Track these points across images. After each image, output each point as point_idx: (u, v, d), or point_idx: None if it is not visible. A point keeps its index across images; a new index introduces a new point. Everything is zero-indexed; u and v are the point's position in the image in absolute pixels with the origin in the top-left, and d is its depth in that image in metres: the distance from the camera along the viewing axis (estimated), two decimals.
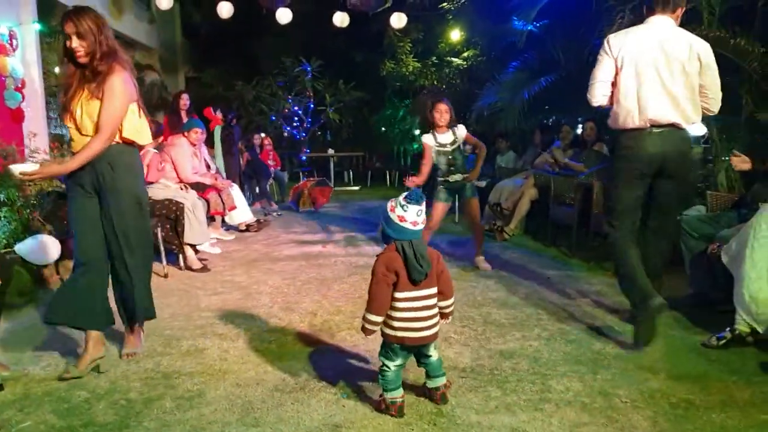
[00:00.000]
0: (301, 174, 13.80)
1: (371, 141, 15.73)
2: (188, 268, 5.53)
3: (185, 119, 7.70)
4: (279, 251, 6.46)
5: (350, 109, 15.52)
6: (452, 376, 3.09)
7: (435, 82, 13.01)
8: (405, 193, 2.66)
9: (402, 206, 2.62)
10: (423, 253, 2.62)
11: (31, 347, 3.59)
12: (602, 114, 6.90)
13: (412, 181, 5.23)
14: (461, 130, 5.42)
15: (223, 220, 7.34)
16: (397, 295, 2.62)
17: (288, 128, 15.14)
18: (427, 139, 5.39)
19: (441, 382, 2.78)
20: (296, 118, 15.04)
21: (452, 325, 3.89)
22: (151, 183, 5.49)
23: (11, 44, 7.79)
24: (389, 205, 2.68)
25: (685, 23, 5.35)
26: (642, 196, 3.72)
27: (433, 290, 2.68)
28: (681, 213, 4.12)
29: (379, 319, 2.64)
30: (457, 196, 5.59)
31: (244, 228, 7.64)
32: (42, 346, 3.61)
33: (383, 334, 2.69)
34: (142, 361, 3.33)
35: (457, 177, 5.36)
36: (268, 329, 3.88)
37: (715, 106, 3.67)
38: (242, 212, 7.48)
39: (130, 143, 3.28)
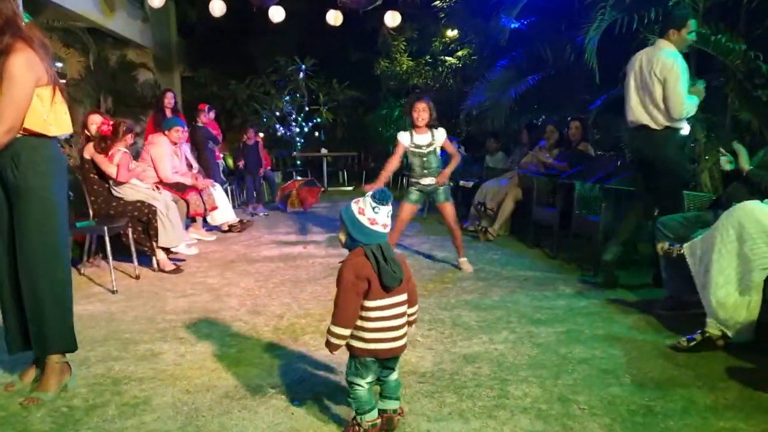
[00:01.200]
0: (294, 174, 13.76)
1: (366, 141, 15.65)
2: (161, 269, 5.45)
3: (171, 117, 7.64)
4: (258, 252, 6.38)
5: (345, 109, 15.46)
6: (410, 381, 3.02)
7: (429, 82, 12.93)
8: (371, 193, 2.44)
9: (373, 208, 2.39)
10: (393, 257, 2.41)
11: None
12: (589, 114, 6.87)
13: (371, 187, 5.15)
14: (440, 134, 5.25)
15: (204, 220, 7.27)
16: (369, 304, 2.37)
17: (281, 128, 15.08)
18: (402, 137, 5.23)
19: (393, 405, 2.54)
20: (291, 118, 14.98)
21: (420, 328, 3.81)
22: (121, 183, 5.39)
23: None
24: (356, 207, 2.43)
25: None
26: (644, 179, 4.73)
27: (404, 297, 2.44)
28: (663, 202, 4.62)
29: (347, 332, 2.38)
30: (433, 199, 5.41)
31: (226, 228, 7.56)
32: None
33: (352, 348, 2.42)
34: (93, 366, 3.24)
35: (430, 181, 5.23)
36: (230, 333, 3.79)
37: (673, 112, 4.37)
38: (224, 212, 7.39)
39: (38, 135, 2.80)
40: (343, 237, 2.51)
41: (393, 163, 5.27)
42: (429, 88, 12.77)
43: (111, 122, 5.38)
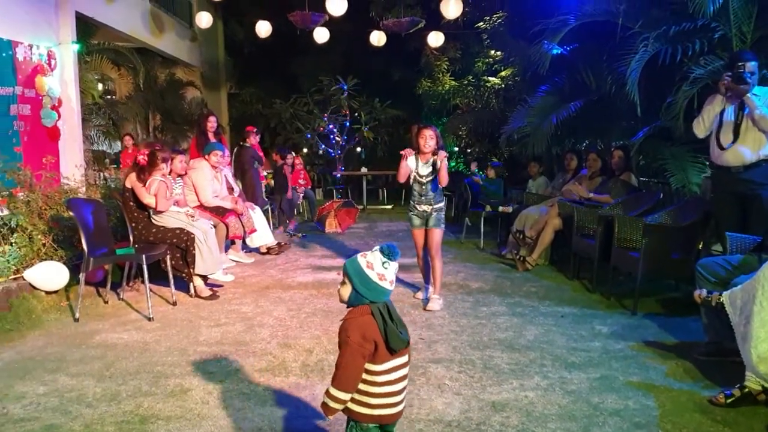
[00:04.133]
0: (334, 192, 13.87)
1: None
2: (198, 295, 5.52)
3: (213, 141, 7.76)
4: (293, 278, 6.41)
5: (386, 127, 15.52)
6: (435, 430, 2.97)
7: (471, 102, 12.89)
8: (379, 247, 2.29)
9: (383, 263, 2.25)
10: (399, 317, 2.29)
11: (21, 380, 3.60)
12: (632, 144, 6.72)
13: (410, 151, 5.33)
14: (440, 156, 5.25)
15: (244, 243, 7.34)
16: (375, 368, 2.21)
17: (323, 146, 15.23)
18: (410, 161, 5.33)
19: None
20: (332, 137, 15.10)
21: (449, 370, 3.77)
22: (161, 212, 5.48)
23: (50, 64, 8.02)
24: (364, 261, 2.27)
25: (711, 51, 5.19)
26: None
27: (406, 358, 2.30)
28: None
29: (348, 396, 2.21)
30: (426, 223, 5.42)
31: (264, 251, 7.63)
32: (32, 380, 3.62)
33: (354, 414, 2.25)
34: (123, 402, 3.29)
35: (426, 207, 5.32)
36: (259, 368, 3.81)
37: None
38: (263, 235, 7.46)
39: None
40: (345, 292, 2.30)
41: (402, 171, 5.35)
42: (471, 108, 12.75)
43: (146, 152, 5.45)
